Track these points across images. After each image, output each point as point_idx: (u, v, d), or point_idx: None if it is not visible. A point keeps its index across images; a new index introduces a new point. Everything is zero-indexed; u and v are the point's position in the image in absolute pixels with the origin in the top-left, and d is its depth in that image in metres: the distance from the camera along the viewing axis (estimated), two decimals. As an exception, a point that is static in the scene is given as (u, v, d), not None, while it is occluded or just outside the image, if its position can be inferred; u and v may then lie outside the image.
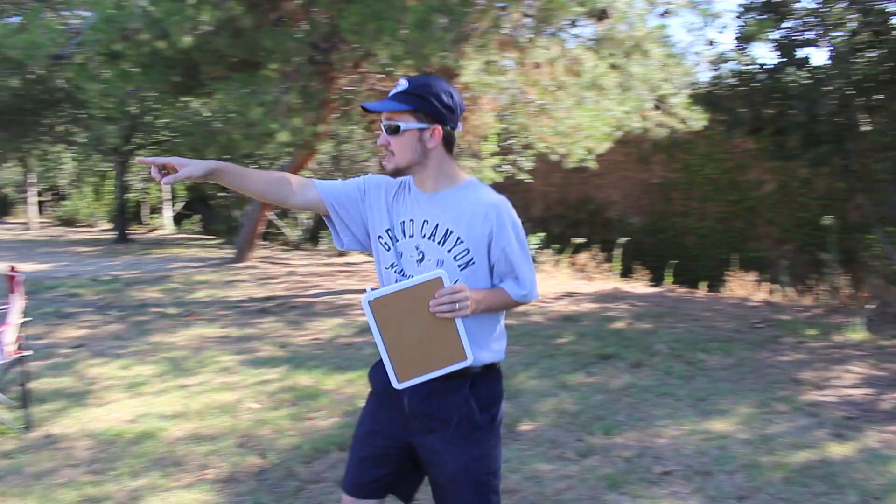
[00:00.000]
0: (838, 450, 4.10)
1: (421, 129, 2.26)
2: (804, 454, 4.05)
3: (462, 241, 2.25)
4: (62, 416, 4.98)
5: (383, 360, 2.21)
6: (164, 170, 2.21)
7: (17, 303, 5.06)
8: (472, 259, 2.26)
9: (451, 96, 2.28)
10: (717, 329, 7.21)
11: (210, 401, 5.25)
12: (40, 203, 26.34)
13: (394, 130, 2.26)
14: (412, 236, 2.30)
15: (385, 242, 2.35)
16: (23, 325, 5.03)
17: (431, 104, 2.25)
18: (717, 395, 5.12)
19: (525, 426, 4.64)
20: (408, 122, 2.25)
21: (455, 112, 2.29)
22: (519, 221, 2.32)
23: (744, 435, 4.38)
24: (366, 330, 7.48)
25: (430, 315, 2.15)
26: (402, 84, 2.27)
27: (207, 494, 3.79)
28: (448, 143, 2.31)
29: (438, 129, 2.26)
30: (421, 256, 2.29)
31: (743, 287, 9.72)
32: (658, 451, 4.19)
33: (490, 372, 2.33)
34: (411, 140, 2.26)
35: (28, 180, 21.89)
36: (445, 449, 2.27)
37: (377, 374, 2.39)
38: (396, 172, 2.31)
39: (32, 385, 5.28)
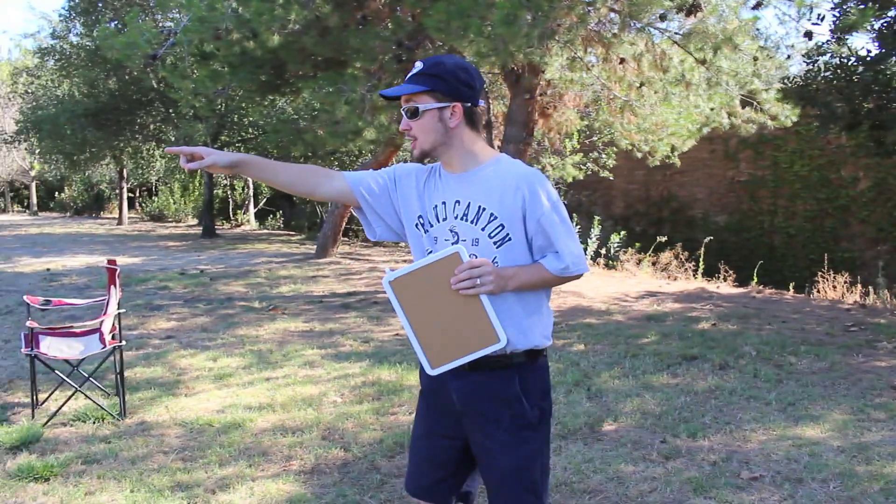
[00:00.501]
0: (941, 461, 3.90)
1: (440, 109, 2.20)
2: (903, 464, 3.87)
3: (496, 217, 2.18)
4: (154, 405, 5.17)
5: (413, 346, 2.16)
6: (192, 158, 2.25)
7: (115, 294, 5.28)
8: (507, 235, 2.18)
9: (468, 71, 2.22)
10: (807, 332, 6.96)
11: (294, 393, 5.36)
12: (131, 199, 27.42)
13: (413, 113, 2.21)
14: (445, 219, 2.24)
15: (420, 229, 2.30)
16: (118, 316, 5.24)
17: (447, 82, 2.19)
18: (807, 400, 4.94)
19: (608, 426, 4.58)
20: (426, 104, 2.19)
21: (474, 88, 2.23)
22: (555, 193, 2.24)
23: (837, 442, 4.21)
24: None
25: (454, 294, 2.11)
26: (417, 66, 2.22)
27: (292, 485, 3.87)
28: (471, 120, 2.24)
29: (458, 106, 2.20)
30: (455, 238, 2.22)
31: (834, 289, 9.36)
32: (746, 455, 4.07)
33: (536, 361, 2.26)
34: (432, 121, 2.20)
35: (121, 177, 22.81)
36: (497, 449, 2.22)
37: (424, 373, 2.29)
38: (422, 156, 2.26)
39: (127, 374, 5.50)
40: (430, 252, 2.24)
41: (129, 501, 3.67)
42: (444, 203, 2.25)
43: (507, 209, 2.17)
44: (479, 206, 2.19)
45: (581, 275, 2.22)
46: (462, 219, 2.21)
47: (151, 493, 3.77)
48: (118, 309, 5.25)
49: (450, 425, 2.31)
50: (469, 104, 2.22)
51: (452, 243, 2.20)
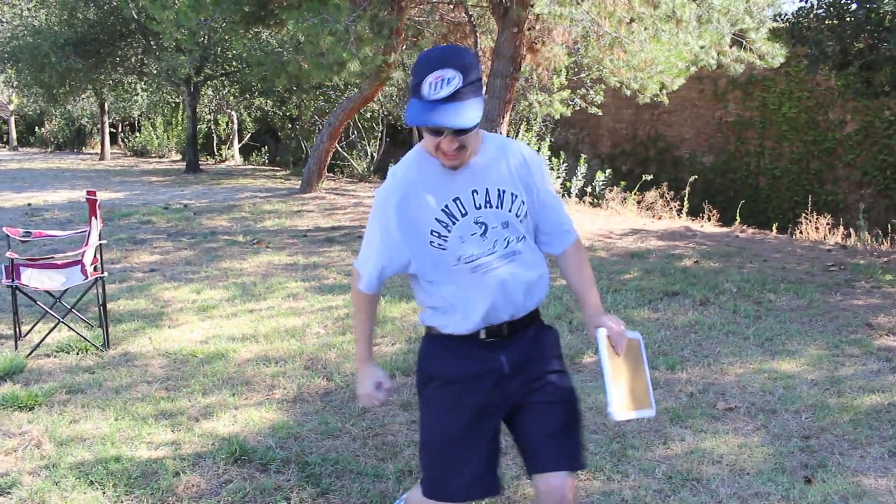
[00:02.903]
0: (911, 394, 3.99)
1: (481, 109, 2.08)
2: (874, 397, 3.96)
3: (517, 196, 2.18)
4: (138, 336, 5.19)
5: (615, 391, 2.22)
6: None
7: (97, 226, 5.24)
8: (526, 211, 2.21)
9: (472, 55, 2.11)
10: (788, 270, 7.03)
11: (278, 325, 5.39)
12: (113, 134, 27.02)
13: (472, 129, 2.05)
14: (466, 214, 2.15)
15: (438, 243, 2.16)
16: (100, 247, 5.21)
17: (481, 81, 2.07)
18: (785, 336, 5.02)
19: (588, 358, 4.65)
20: (479, 114, 2.04)
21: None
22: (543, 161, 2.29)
23: (811, 376, 4.30)
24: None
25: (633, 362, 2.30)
26: (452, 76, 1.99)
27: (275, 413, 3.92)
28: None
29: (485, 97, 2.13)
30: (483, 229, 2.15)
31: (817, 230, 9.42)
32: (722, 387, 4.15)
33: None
34: (478, 127, 2.11)
35: (102, 111, 22.42)
36: (557, 377, 2.28)
37: (448, 363, 2.25)
38: (458, 167, 2.14)
39: (109, 306, 5.49)
40: (461, 258, 2.16)
41: (113, 429, 3.70)
42: (456, 199, 2.14)
43: (520, 185, 2.19)
44: (499, 189, 2.17)
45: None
46: (486, 206, 2.16)
47: (135, 420, 3.81)
48: (99, 240, 5.22)
49: (498, 400, 2.24)
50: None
51: (480, 235, 2.14)
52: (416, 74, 2.03)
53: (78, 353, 4.81)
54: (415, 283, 2.30)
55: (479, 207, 2.15)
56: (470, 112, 2.00)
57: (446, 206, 2.14)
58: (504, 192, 2.17)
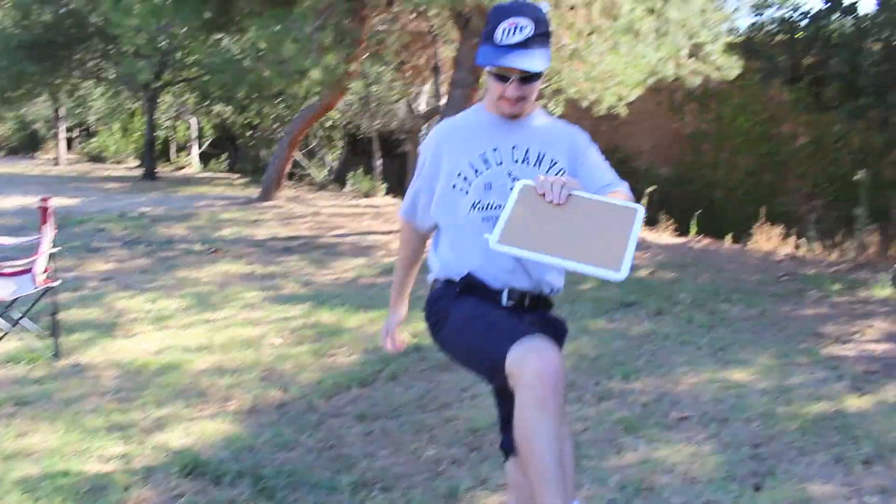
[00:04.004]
0: (856, 403, 4.09)
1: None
2: (821, 405, 4.05)
3: (556, 162, 2.23)
4: (90, 346, 5.10)
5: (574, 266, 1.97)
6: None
7: (49, 233, 5.15)
8: None
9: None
10: (741, 281, 7.17)
11: (234, 335, 5.34)
12: (69, 139, 26.53)
13: (535, 78, 2.15)
14: (500, 164, 2.21)
15: (460, 186, 2.22)
16: (53, 255, 5.12)
17: (550, 32, 2.16)
18: (737, 346, 5.12)
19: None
20: (545, 66, 2.14)
21: None
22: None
23: (762, 385, 4.38)
24: (389, 270, 7.53)
25: (572, 212, 2.03)
26: (524, 25, 2.09)
27: (230, 425, 3.88)
28: None
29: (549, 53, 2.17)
30: (513, 182, 2.16)
31: (769, 241, 9.62)
32: (676, 397, 4.21)
33: None
34: (539, 80, 2.19)
35: (58, 116, 22.03)
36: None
37: (463, 284, 2.22)
38: (517, 117, 2.23)
39: (62, 315, 5.38)
40: (478, 203, 2.19)
41: (62, 442, 3.63)
42: (495, 149, 2.21)
43: (565, 155, 2.24)
44: (540, 152, 2.22)
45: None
46: (523, 163, 2.21)
47: (85, 433, 3.74)
48: (52, 248, 5.13)
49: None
50: None
51: (511, 188, 2.11)
52: (490, 22, 2.13)
53: (27, 364, 4.70)
54: (439, 236, 2.36)
55: (517, 161, 2.21)
56: (538, 59, 2.10)
57: (483, 153, 2.21)
58: (544, 155, 2.22)
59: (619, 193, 2.21)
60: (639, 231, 2.05)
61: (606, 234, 2.02)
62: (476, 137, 2.24)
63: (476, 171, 2.21)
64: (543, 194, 2.03)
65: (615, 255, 1.97)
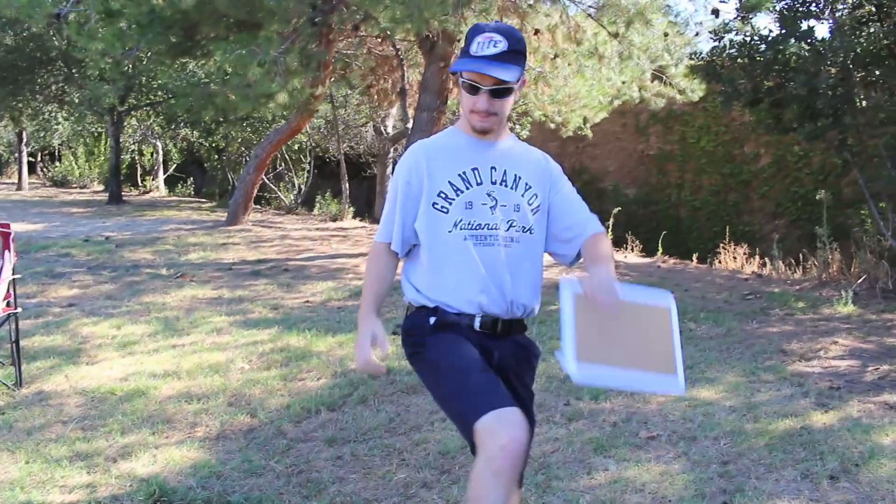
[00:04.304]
0: (821, 419, 4.15)
1: (521, 84, 2.27)
2: (787, 422, 4.10)
3: (531, 187, 2.31)
4: (53, 374, 5.01)
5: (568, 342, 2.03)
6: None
7: (10, 259, 5.05)
8: (539, 205, 2.33)
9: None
10: (707, 300, 7.25)
11: (201, 360, 5.28)
12: (32, 163, 26.16)
13: (506, 93, 2.22)
14: (480, 184, 2.27)
15: (441, 205, 2.25)
16: (13, 282, 5.02)
17: (525, 56, 2.25)
18: (704, 364, 5.17)
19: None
20: (516, 83, 2.22)
21: None
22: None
23: (729, 402, 4.43)
24: (357, 294, 7.50)
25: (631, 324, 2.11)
26: (499, 40, 2.17)
27: (197, 451, 3.82)
28: None
29: (525, 77, 2.29)
30: (494, 203, 2.26)
31: (734, 260, 9.76)
32: (644, 416, 4.24)
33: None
34: (513, 97, 2.27)
35: (20, 140, 21.73)
36: (528, 398, 2.37)
37: (441, 317, 2.25)
38: (489, 132, 2.29)
39: (24, 343, 5.29)
40: (459, 222, 2.24)
41: (23, 473, 3.55)
42: (475, 169, 2.27)
43: (539, 182, 2.33)
44: (516, 175, 2.30)
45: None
46: (501, 184, 2.28)
47: (48, 463, 3.67)
48: (13, 274, 5.04)
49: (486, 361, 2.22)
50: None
51: (490, 207, 2.24)
52: (468, 39, 2.23)
53: (-12, 394, 4.61)
54: (411, 261, 2.37)
55: (495, 183, 2.28)
56: (509, 72, 2.16)
57: (463, 173, 2.27)
58: (520, 178, 2.30)
59: (600, 240, 2.34)
60: (678, 326, 2.16)
61: (653, 339, 2.13)
62: (456, 158, 2.29)
63: (457, 190, 2.26)
64: (594, 300, 2.06)
65: (668, 363, 2.12)
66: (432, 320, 2.26)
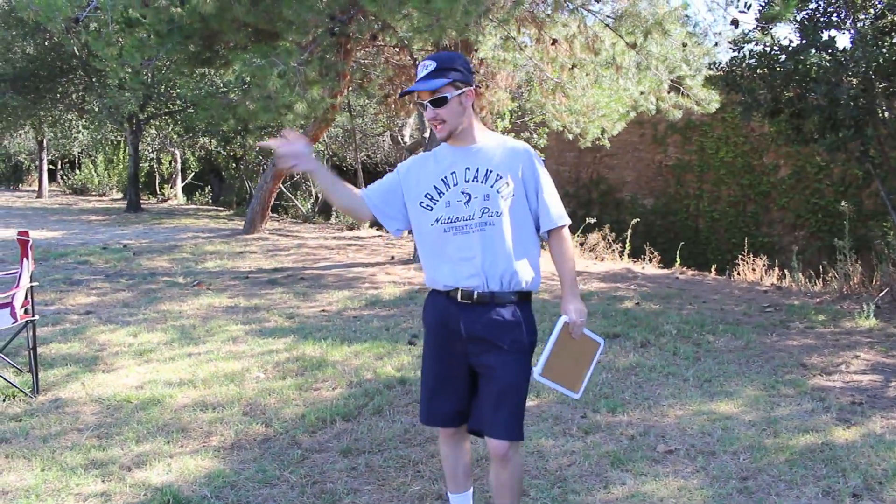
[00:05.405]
0: (843, 434, 4.08)
1: (460, 94, 2.70)
2: (808, 437, 4.03)
3: (501, 177, 2.74)
4: (70, 381, 5.02)
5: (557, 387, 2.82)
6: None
7: (28, 267, 5.09)
8: (512, 191, 2.74)
9: (468, 62, 2.79)
10: (726, 312, 7.18)
11: (217, 369, 5.27)
12: (52, 171, 26.42)
13: (441, 102, 2.68)
14: (457, 185, 2.75)
15: (427, 204, 2.77)
16: (31, 289, 5.05)
17: (462, 72, 2.71)
18: (723, 377, 5.10)
19: (530, 402, 4.63)
20: (451, 93, 2.68)
21: (473, 73, 2.79)
22: (541, 161, 2.89)
23: (749, 417, 4.36)
24: (374, 303, 7.49)
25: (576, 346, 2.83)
26: (430, 64, 2.70)
27: (211, 461, 3.81)
28: (473, 101, 2.79)
29: (471, 90, 2.74)
30: (467, 198, 2.74)
31: (753, 271, 9.67)
32: (662, 430, 4.18)
33: (528, 301, 2.83)
34: (455, 106, 2.70)
35: (41, 148, 21.96)
36: (499, 367, 2.73)
37: (430, 314, 2.86)
38: (448, 137, 2.75)
39: (41, 350, 5.32)
40: (439, 219, 2.75)
41: (38, 481, 3.55)
42: (453, 172, 2.77)
43: (511, 170, 2.75)
44: (488, 170, 2.74)
45: (566, 225, 2.84)
46: (473, 181, 2.75)
47: (63, 471, 3.67)
48: (31, 282, 5.06)
49: (458, 353, 2.79)
50: (475, 87, 2.78)
51: (465, 203, 2.74)
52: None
53: (4, 400, 4.62)
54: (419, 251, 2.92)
55: (468, 181, 2.75)
56: (433, 83, 2.66)
57: (444, 177, 2.77)
58: (490, 171, 2.74)
59: (562, 235, 2.83)
60: (597, 360, 2.93)
61: (583, 360, 2.86)
62: (438, 164, 2.80)
63: (439, 192, 2.77)
64: (574, 325, 2.78)
65: (577, 383, 2.84)
66: (424, 316, 2.93)
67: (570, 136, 11.08)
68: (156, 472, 3.68)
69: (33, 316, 4.97)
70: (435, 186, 2.77)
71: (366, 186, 2.89)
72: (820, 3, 7.66)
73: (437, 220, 2.75)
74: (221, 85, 14.65)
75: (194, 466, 3.74)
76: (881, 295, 7.59)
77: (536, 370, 2.70)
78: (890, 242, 8.45)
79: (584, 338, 2.82)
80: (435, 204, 2.76)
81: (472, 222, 2.71)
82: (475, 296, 2.73)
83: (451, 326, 2.77)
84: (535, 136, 13.04)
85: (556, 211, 2.80)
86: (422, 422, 2.94)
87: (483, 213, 2.71)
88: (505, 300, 2.74)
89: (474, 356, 2.76)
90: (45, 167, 22.47)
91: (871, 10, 7.45)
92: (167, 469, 3.72)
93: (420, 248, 2.87)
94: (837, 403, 4.57)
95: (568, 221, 2.84)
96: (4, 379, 4.80)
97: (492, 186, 2.72)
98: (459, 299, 2.74)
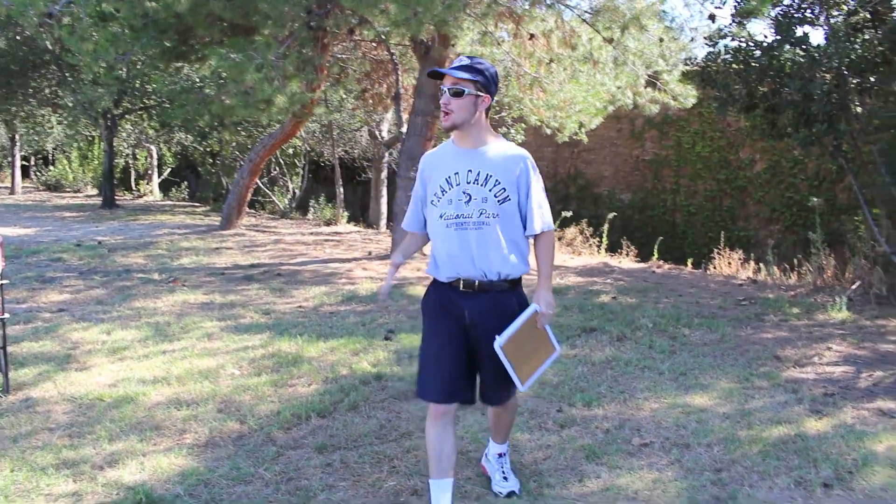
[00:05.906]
0: (815, 425, 4.12)
1: (477, 96, 2.95)
2: (781, 429, 4.07)
3: (499, 182, 2.98)
4: (42, 380, 4.96)
5: (511, 374, 3.01)
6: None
7: (-3, 264, 5.01)
8: (507, 196, 2.99)
9: (497, 75, 3.02)
10: (702, 305, 7.22)
11: (191, 366, 5.23)
12: (25, 168, 26.07)
13: (458, 93, 2.92)
14: (459, 185, 3.00)
15: (435, 200, 3.04)
16: (2, 287, 4.98)
17: (486, 78, 2.95)
18: (698, 370, 5.13)
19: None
20: (470, 89, 2.92)
21: (497, 86, 3.03)
22: (537, 169, 3.11)
23: (723, 409, 4.40)
24: (350, 298, 7.46)
25: (535, 332, 3.07)
26: (464, 60, 2.96)
27: (185, 459, 3.78)
28: (487, 110, 3.04)
29: (488, 98, 2.98)
30: (468, 198, 2.99)
31: (729, 265, 9.74)
32: (638, 423, 4.20)
33: (519, 285, 3.13)
34: (468, 103, 2.94)
35: (13, 144, 21.66)
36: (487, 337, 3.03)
37: (431, 299, 3.13)
38: (451, 128, 2.98)
39: (12, 349, 5.25)
40: (443, 215, 3.03)
41: (8, 481, 3.51)
42: (457, 173, 3.01)
43: (508, 176, 3.00)
44: (487, 174, 2.99)
45: (551, 230, 3.12)
46: (474, 183, 2.99)
47: (34, 471, 3.62)
48: (2, 280, 4.99)
49: (460, 336, 3.05)
50: (492, 98, 3.02)
51: (465, 202, 3.00)
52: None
53: (-25, 400, 4.56)
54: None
55: (470, 182, 3.00)
56: (462, 73, 2.92)
57: (449, 176, 3.03)
58: (490, 176, 2.99)
59: (546, 238, 3.11)
60: (549, 364, 3.19)
61: (537, 357, 3.09)
62: (445, 164, 3.05)
63: (444, 190, 3.03)
64: (543, 315, 3.06)
65: (531, 373, 3.07)
66: (424, 302, 3.20)
67: (548, 131, 11.09)
68: (128, 471, 3.64)
69: (3, 314, 4.89)
70: (440, 185, 3.04)
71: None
72: (794, -1, 7.71)
73: (441, 216, 3.03)
74: (197, 80, 14.50)
75: (167, 465, 3.71)
76: (853, 287, 7.67)
77: (499, 340, 2.93)
78: (862, 236, 8.54)
79: (545, 337, 3.09)
80: (440, 200, 3.03)
81: (471, 220, 2.99)
82: (476, 285, 3.03)
83: (453, 311, 3.05)
84: (512, 131, 13.05)
85: (540, 219, 3.06)
86: (417, 394, 3.18)
87: (480, 213, 2.98)
88: (501, 287, 3.04)
89: (475, 339, 3.04)
90: (18, 163, 22.17)
91: (844, 7, 7.50)
92: (140, 468, 3.68)
93: (431, 238, 3.16)
94: (810, 395, 4.62)
95: (552, 227, 3.11)
96: (-26, 378, 4.72)
97: (490, 190, 2.98)
98: (462, 288, 3.04)
